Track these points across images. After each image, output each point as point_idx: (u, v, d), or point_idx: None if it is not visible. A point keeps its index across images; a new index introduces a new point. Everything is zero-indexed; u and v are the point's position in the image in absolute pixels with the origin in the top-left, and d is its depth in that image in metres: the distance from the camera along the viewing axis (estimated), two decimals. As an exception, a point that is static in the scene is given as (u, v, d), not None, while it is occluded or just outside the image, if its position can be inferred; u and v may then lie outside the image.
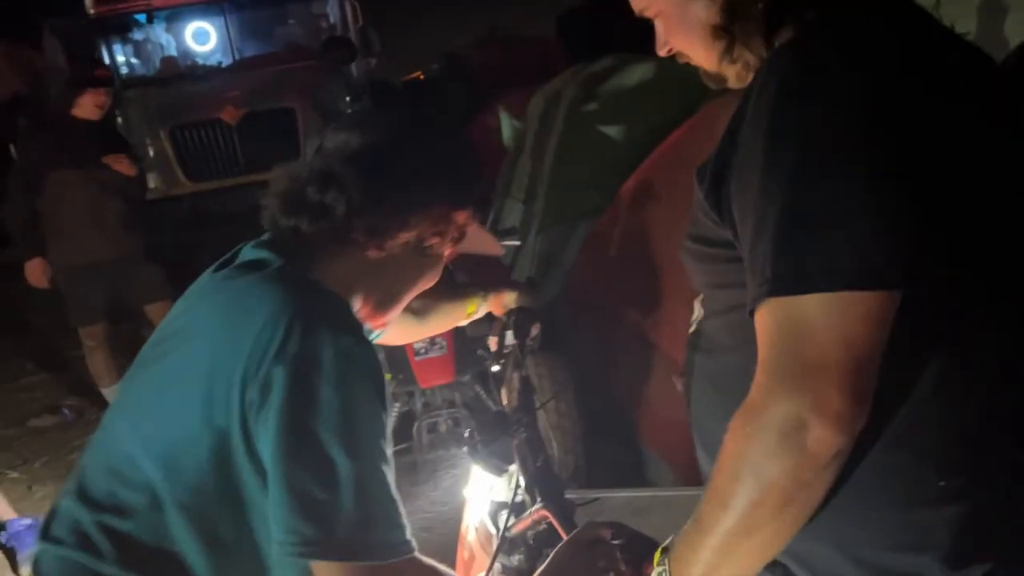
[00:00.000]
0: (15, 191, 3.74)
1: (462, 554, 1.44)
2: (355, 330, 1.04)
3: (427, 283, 1.20)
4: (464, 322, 1.60)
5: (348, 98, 6.38)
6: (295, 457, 0.96)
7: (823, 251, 0.72)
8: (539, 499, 1.19)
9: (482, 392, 2.83)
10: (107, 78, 3.86)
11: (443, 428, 2.84)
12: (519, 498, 1.23)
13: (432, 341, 2.66)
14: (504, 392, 1.36)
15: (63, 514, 1.07)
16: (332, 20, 7.26)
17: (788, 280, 0.73)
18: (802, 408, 0.72)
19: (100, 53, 6.74)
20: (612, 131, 3.60)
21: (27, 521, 3.32)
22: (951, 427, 0.80)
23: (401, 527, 0.99)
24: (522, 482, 1.22)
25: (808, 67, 0.79)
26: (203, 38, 7.21)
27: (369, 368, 1.01)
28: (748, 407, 0.77)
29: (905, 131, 0.75)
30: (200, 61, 7.13)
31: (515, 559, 1.20)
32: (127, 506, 1.03)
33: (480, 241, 1.26)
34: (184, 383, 1.02)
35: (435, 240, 1.14)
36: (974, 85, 0.84)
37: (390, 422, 1.05)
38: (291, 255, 1.09)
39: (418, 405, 2.86)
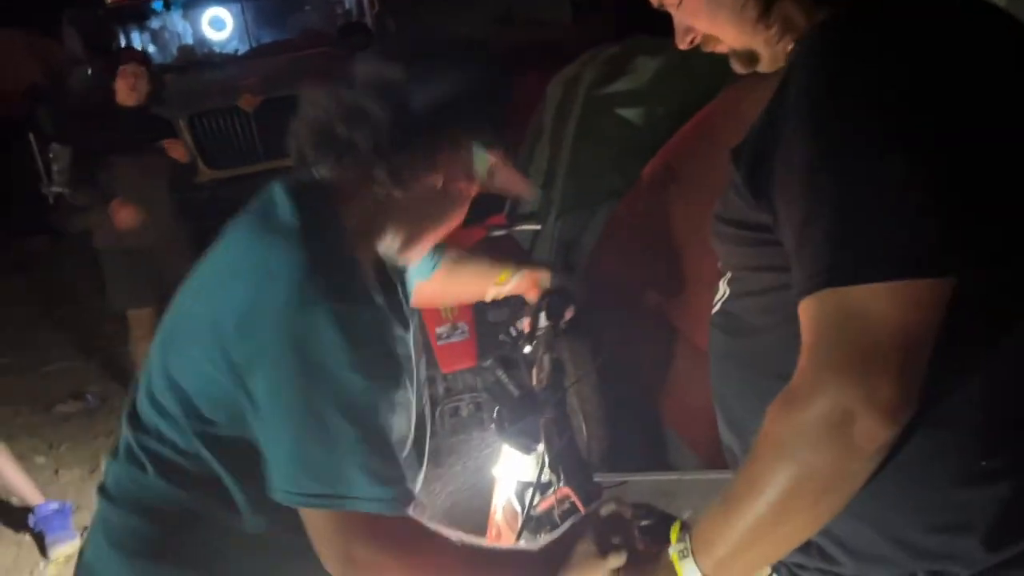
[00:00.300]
0: (78, 178, 3.77)
1: (491, 533, 1.45)
2: (360, 295, 1.05)
3: (453, 222, 1.20)
4: (491, 293, 1.59)
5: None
6: (295, 419, 1.01)
7: (877, 240, 0.72)
8: (563, 477, 1.19)
9: (503, 376, 2.84)
10: (139, 59, 3.88)
11: (465, 413, 2.85)
12: (545, 477, 1.24)
13: (454, 326, 2.68)
14: (534, 372, 1.36)
15: (120, 432, 1.20)
16: (348, 6, 7.26)
17: (842, 270, 0.73)
18: (852, 399, 0.72)
19: (117, 42, 6.79)
20: (631, 114, 3.58)
21: (55, 505, 3.38)
22: (994, 407, 0.79)
23: (393, 483, 1.02)
24: (547, 461, 1.22)
25: (853, 48, 0.77)
26: (219, 25, 7.23)
27: (373, 333, 1.04)
28: (792, 394, 0.76)
29: (957, 116, 0.74)
30: (217, 49, 7.15)
31: (541, 537, 1.21)
32: (162, 432, 1.12)
33: (510, 180, 1.25)
34: (195, 326, 1.09)
35: (462, 181, 1.15)
36: None
37: (405, 384, 1.09)
38: (314, 200, 1.10)
39: (440, 390, 2.88)
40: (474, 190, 1.18)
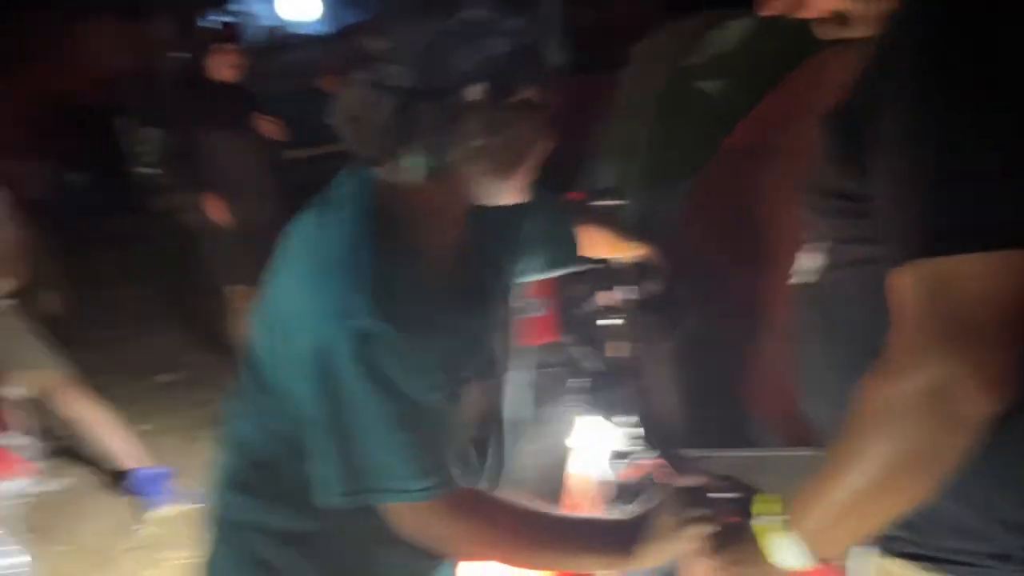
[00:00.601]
0: (172, 157, 3.87)
1: (566, 503, 1.47)
2: (389, 301, 1.05)
3: (535, 151, 1.17)
4: (614, 255, 1.60)
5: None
6: (324, 409, 1.07)
7: (976, 211, 0.71)
8: (643, 447, 1.20)
9: (582, 351, 2.85)
10: (234, 34, 3.93)
11: (541, 385, 2.86)
12: (626, 448, 1.25)
13: (534, 300, 2.68)
14: (613, 345, 1.36)
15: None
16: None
17: (939, 240, 0.72)
18: (955, 371, 0.70)
19: (203, 23, 6.99)
20: (713, 86, 3.51)
21: (154, 469, 3.57)
22: None
23: (429, 472, 1.07)
24: (629, 431, 1.23)
25: (959, 14, 0.75)
26: (303, 7, 7.37)
27: (399, 339, 1.05)
28: (889, 367, 0.75)
29: None
30: (299, 31, 7.30)
31: (620, 508, 1.22)
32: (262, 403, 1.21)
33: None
34: (271, 315, 1.17)
35: (505, 127, 1.10)
36: None
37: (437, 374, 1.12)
38: (375, 186, 1.15)
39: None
40: (532, 110, 1.11)
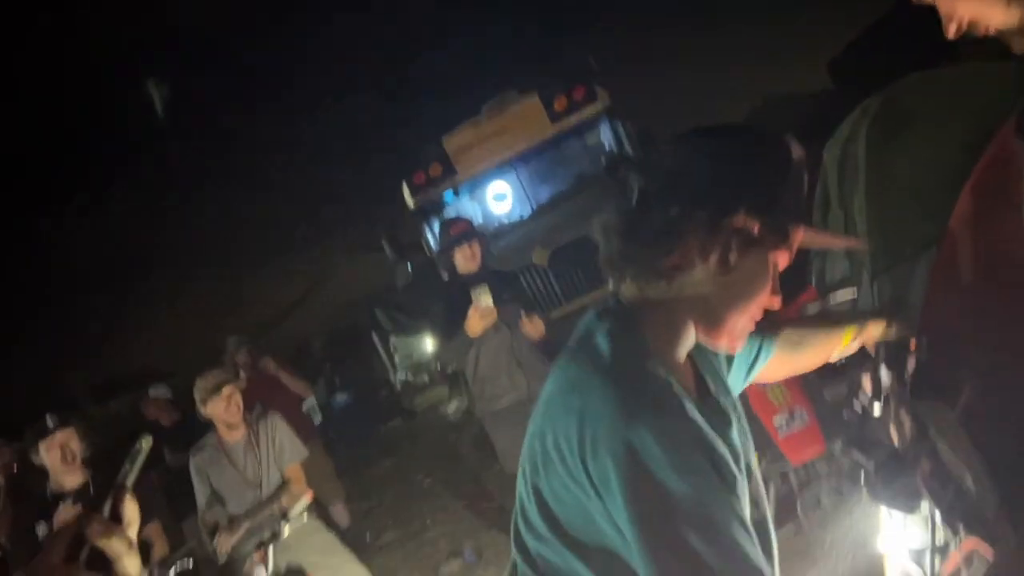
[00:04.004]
0: (452, 348, 4.14)
1: (895, 610, 1.35)
2: (674, 409, 1.10)
3: (755, 297, 1.21)
4: (836, 356, 1.55)
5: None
6: (649, 537, 1.05)
7: None
8: (963, 530, 1.09)
9: (860, 456, 2.65)
10: (465, 233, 4.29)
11: (827, 502, 2.68)
12: (939, 538, 1.14)
13: (791, 414, 2.58)
14: (893, 430, 1.29)
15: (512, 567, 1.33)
16: (608, 145, 7.69)
17: None
18: None
19: (425, 237, 7.76)
20: (923, 152, 3.35)
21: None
22: None
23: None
24: (939, 518, 1.13)
25: None
26: (501, 198, 7.98)
27: (693, 442, 1.07)
28: None
29: None
30: (505, 220, 7.88)
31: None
32: (541, 554, 1.23)
33: (825, 240, 1.26)
34: (546, 456, 1.18)
35: (717, 255, 1.16)
36: None
37: (736, 480, 1.10)
38: (623, 316, 1.22)
39: (794, 485, 2.75)
40: (762, 262, 1.18)
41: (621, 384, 1.12)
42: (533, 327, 3.98)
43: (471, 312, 3.84)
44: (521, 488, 1.29)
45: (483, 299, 3.84)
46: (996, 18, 0.89)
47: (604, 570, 1.16)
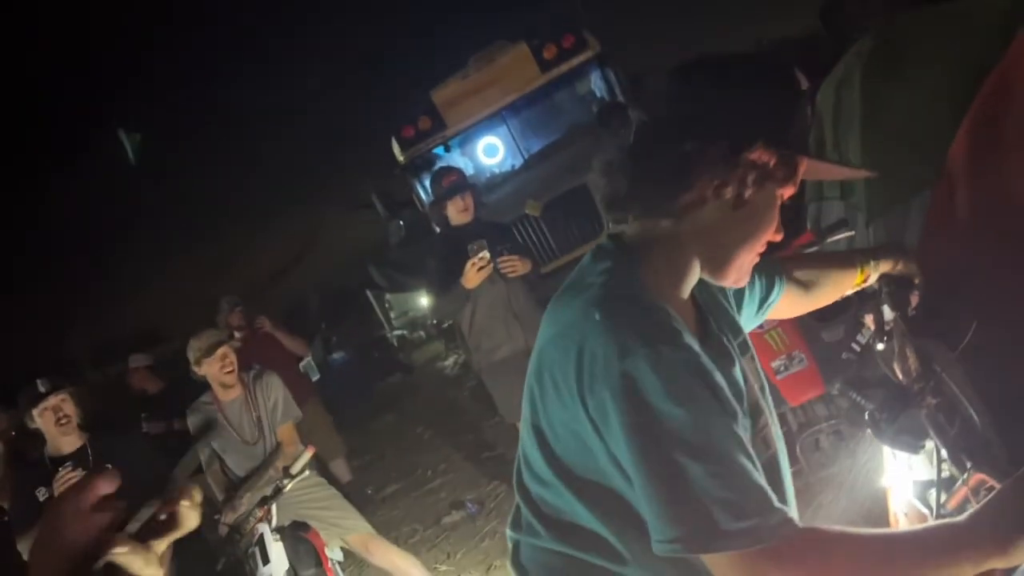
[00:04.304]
0: (448, 302, 4.10)
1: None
2: (670, 338, 1.08)
3: (760, 233, 1.19)
4: (851, 291, 1.54)
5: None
6: (648, 467, 1.04)
7: None
8: (969, 464, 1.09)
9: (858, 396, 2.67)
10: (457, 184, 4.21)
11: (826, 444, 2.70)
12: (945, 472, 1.14)
13: (790, 356, 2.59)
14: (896, 367, 1.28)
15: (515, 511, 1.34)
16: (599, 93, 7.59)
17: None
18: None
19: (415, 191, 7.70)
20: (918, 93, 3.30)
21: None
22: None
23: (757, 513, 1.00)
24: (944, 453, 1.13)
25: None
26: (492, 151, 7.90)
27: (690, 370, 1.06)
28: None
29: None
30: (496, 171, 7.81)
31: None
32: (544, 498, 1.23)
33: (828, 171, 1.24)
34: (545, 394, 1.18)
35: (732, 189, 1.13)
36: None
37: (736, 413, 1.10)
38: (620, 256, 1.20)
39: (793, 426, 2.76)
40: (770, 196, 1.16)
41: (617, 318, 1.10)
42: (521, 264, 3.95)
43: (468, 265, 3.81)
44: (524, 432, 1.29)
45: (481, 251, 3.81)
46: None
47: (605, 511, 1.16)
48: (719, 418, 1.05)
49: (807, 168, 1.18)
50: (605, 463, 1.11)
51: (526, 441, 1.27)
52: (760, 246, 1.21)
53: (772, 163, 1.13)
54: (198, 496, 0.84)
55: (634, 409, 1.03)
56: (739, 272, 1.22)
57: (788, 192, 1.18)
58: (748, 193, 1.13)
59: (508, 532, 1.35)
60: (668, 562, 1.08)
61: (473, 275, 3.83)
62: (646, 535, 1.07)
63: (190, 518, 0.82)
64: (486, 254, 3.80)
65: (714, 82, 1.17)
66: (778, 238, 1.20)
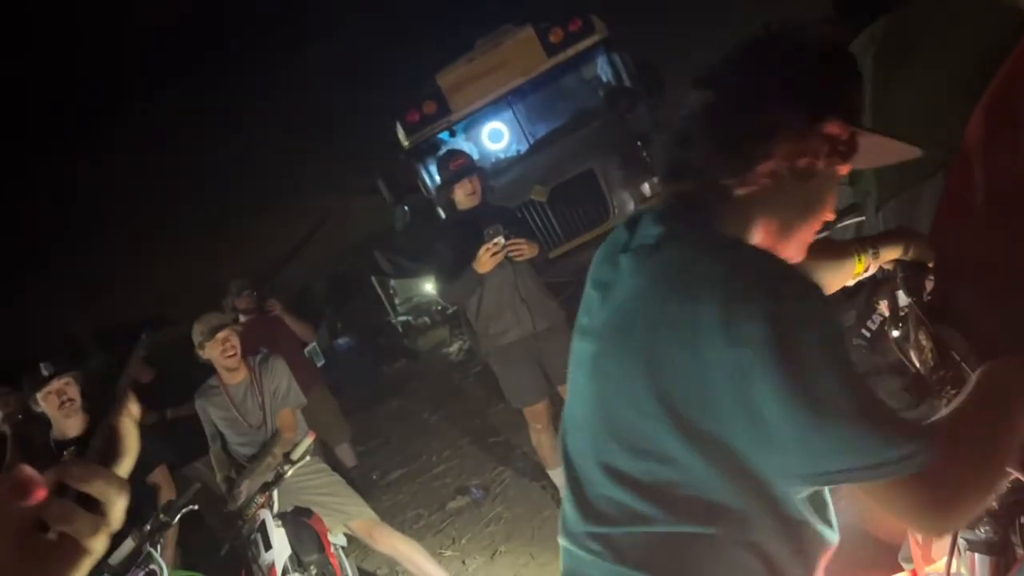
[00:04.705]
0: (459, 287, 4.05)
1: (915, 538, 1.33)
2: (800, 276, 1.09)
3: (821, 209, 1.21)
4: (852, 282, 1.52)
5: (639, 142, 6.50)
6: (801, 406, 1.01)
7: None
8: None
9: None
10: (465, 167, 4.14)
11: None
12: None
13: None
14: (913, 354, 1.25)
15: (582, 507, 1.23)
16: (605, 78, 7.53)
17: None
18: None
19: (421, 177, 7.66)
20: (931, 77, 3.25)
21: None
22: None
23: (917, 435, 1.02)
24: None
25: None
26: (497, 136, 7.86)
27: (821, 299, 1.07)
28: None
29: None
30: (501, 156, 7.76)
31: (981, 531, 1.08)
32: (654, 475, 1.12)
33: (878, 150, 1.23)
34: (654, 356, 1.10)
35: (806, 161, 1.14)
36: None
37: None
38: (687, 221, 1.18)
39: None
40: (836, 165, 1.18)
41: (744, 264, 1.10)
42: (529, 248, 3.91)
43: (483, 249, 3.78)
44: (603, 411, 1.18)
45: (496, 236, 3.78)
46: None
47: (733, 474, 1.09)
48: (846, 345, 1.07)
49: (867, 148, 1.20)
50: (736, 416, 1.05)
51: (621, 417, 1.16)
52: (818, 223, 1.22)
53: (844, 137, 1.16)
54: (136, 409, 0.79)
55: (783, 348, 1.01)
56: (799, 247, 1.23)
57: (844, 171, 1.21)
58: (820, 165, 1.15)
59: (588, 529, 1.22)
60: (784, 523, 1.09)
61: (487, 260, 3.80)
62: (769, 496, 1.08)
63: (132, 434, 0.78)
64: (501, 239, 3.78)
65: (792, 54, 1.18)
66: (831, 217, 1.23)
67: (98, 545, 0.71)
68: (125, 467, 0.76)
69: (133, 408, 0.79)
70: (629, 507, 1.15)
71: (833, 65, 1.20)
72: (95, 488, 0.71)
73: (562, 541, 1.31)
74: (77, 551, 0.70)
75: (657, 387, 1.09)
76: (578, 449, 1.26)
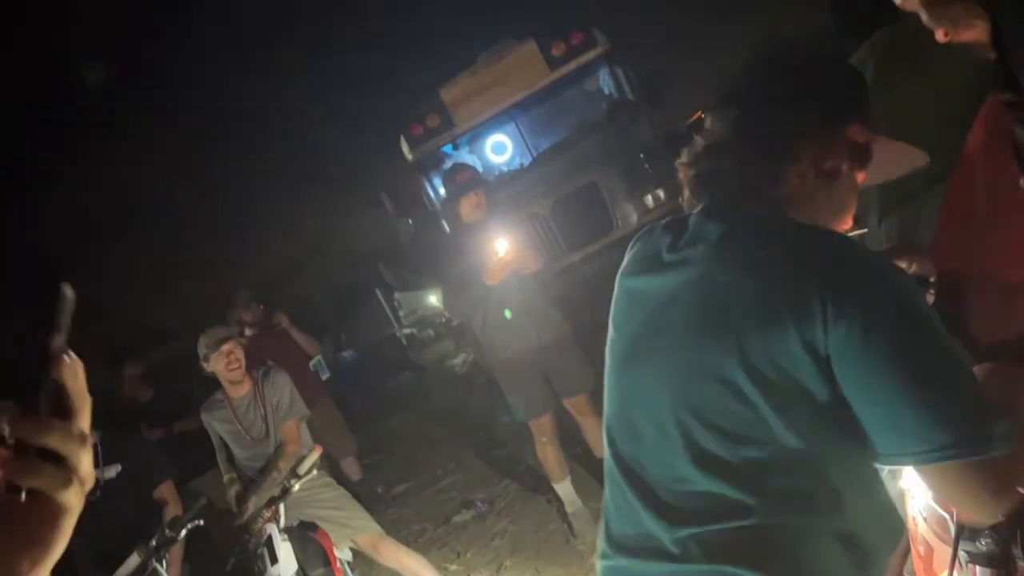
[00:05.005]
0: (467, 299, 4.03)
1: (916, 550, 1.33)
2: (892, 265, 1.17)
3: (845, 213, 1.29)
4: None
5: (641, 154, 6.51)
6: (916, 374, 1.04)
7: None
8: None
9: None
10: (472, 180, 4.15)
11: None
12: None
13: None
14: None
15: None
16: (608, 91, 7.56)
17: None
18: None
19: (425, 190, 7.69)
20: (931, 87, 3.26)
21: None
22: None
23: (1000, 415, 1.04)
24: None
25: None
26: (501, 149, 7.89)
27: (912, 279, 1.18)
28: None
29: None
30: (504, 169, 7.80)
31: (982, 543, 1.08)
32: (750, 465, 1.11)
33: (889, 158, 1.30)
34: (742, 337, 1.11)
35: (830, 163, 1.21)
36: None
37: None
38: (748, 213, 1.23)
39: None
40: (857, 169, 1.25)
41: (839, 246, 1.14)
42: (534, 260, 3.93)
43: (494, 261, 3.80)
44: (697, 405, 1.16)
45: (506, 246, 3.80)
46: (968, 34, 1.11)
47: (823, 456, 1.10)
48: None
49: (880, 157, 1.26)
50: (822, 396, 1.07)
51: (712, 403, 1.14)
52: (843, 226, 1.30)
53: (862, 141, 1.23)
54: (79, 366, 0.74)
55: (881, 318, 1.04)
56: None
57: (862, 178, 1.27)
58: (843, 167, 1.22)
59: (671, 533, 1.16)
60: (876, 509, 1.13)
61: (496, 272, 3.82)
62: (863, 480, 1.12)
63: (82, 388, 0.72)
64: (510, 252, 3.80)
65: (807, 66, 1.28)
66: (850, 224, 1.30)
67: (72, 499, 0.68)
68: (82, 422, 0.71)
69: (76, 364, 0.74)
70: (727, 498, 1.12)
71: (844, 74, 1.30)
72: (54, 440, 0.67)
73: (611, 561, 1.26)
74: (53, 508, 0.67)
75: (749, 368, 1.10)
76: (643, 451, 1.23)
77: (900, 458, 1.09)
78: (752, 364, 1.10)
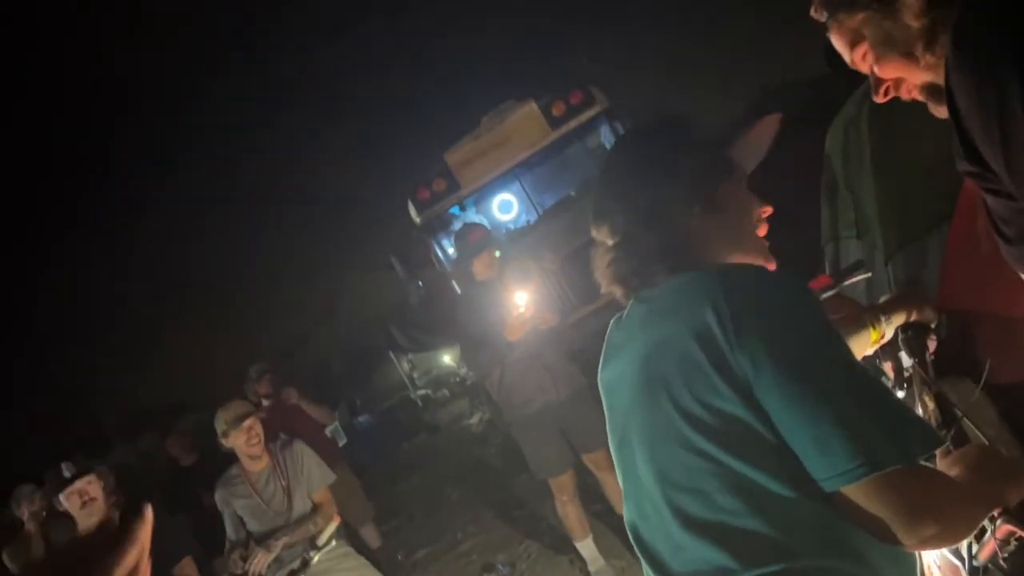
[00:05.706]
0: (486, 358, 4.04)
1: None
2: (778, 273, 1.25)
3: (747, 239, 1.36)
4: (871, 351, 1.54)
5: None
6: (824, 389, 1.05)
7: None
8: (998, 516, 1.08)
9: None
10: (484, 240, 4.20)
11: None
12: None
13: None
14: (920, 414, 1.27)
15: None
16: (608, 146, 7.68)
17: None
18: None
19: (434, 251, 7.77)
20: (929, 126, 3.28)
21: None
22: None
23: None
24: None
25: None
26: (507, 207, 7.99)
27: (808, 291, 1.17)
28: None
29: None
30: (512, 226, 7.87)
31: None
32: (725, 522, 1.10)
33: (751, 146, 1.40)
34: (684, 397, 1.14)
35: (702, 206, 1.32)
36: None
37: None
38: (664, 270, 1.30)
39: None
40: (741, 194, 1.35)
41: (733, 276, 1.20)
42: (551, 315, 3.96)
43: (515, 316, 3.83)
44: (672, 473, 1.17)
45: (526, 301, 3.84)
46: (916, 78, 1.04)
47: (771, 501, 1.07)
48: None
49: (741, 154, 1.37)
50: (767, 430, 1.07)
51: (676, 463, 1.15)
52: (753, 249, 1.35)
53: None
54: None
55: (785, 335, 1.08)
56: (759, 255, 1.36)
57: (761, 208, 1.37)
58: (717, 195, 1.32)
59: None
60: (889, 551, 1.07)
61: (517, 327, 3.85)
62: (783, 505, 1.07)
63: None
64: (530, 306, 3.84)
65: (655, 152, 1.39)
66: (763, 233, 1.37)
67: None
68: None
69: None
70: (713, 563, 1.10)
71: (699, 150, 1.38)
72: None
73: None
74: None
75: (686, 415, 1.12)
76: (649, 528, 1.23)
77: (833, 481, 1.04)
78: (686, 411, 1.12)
